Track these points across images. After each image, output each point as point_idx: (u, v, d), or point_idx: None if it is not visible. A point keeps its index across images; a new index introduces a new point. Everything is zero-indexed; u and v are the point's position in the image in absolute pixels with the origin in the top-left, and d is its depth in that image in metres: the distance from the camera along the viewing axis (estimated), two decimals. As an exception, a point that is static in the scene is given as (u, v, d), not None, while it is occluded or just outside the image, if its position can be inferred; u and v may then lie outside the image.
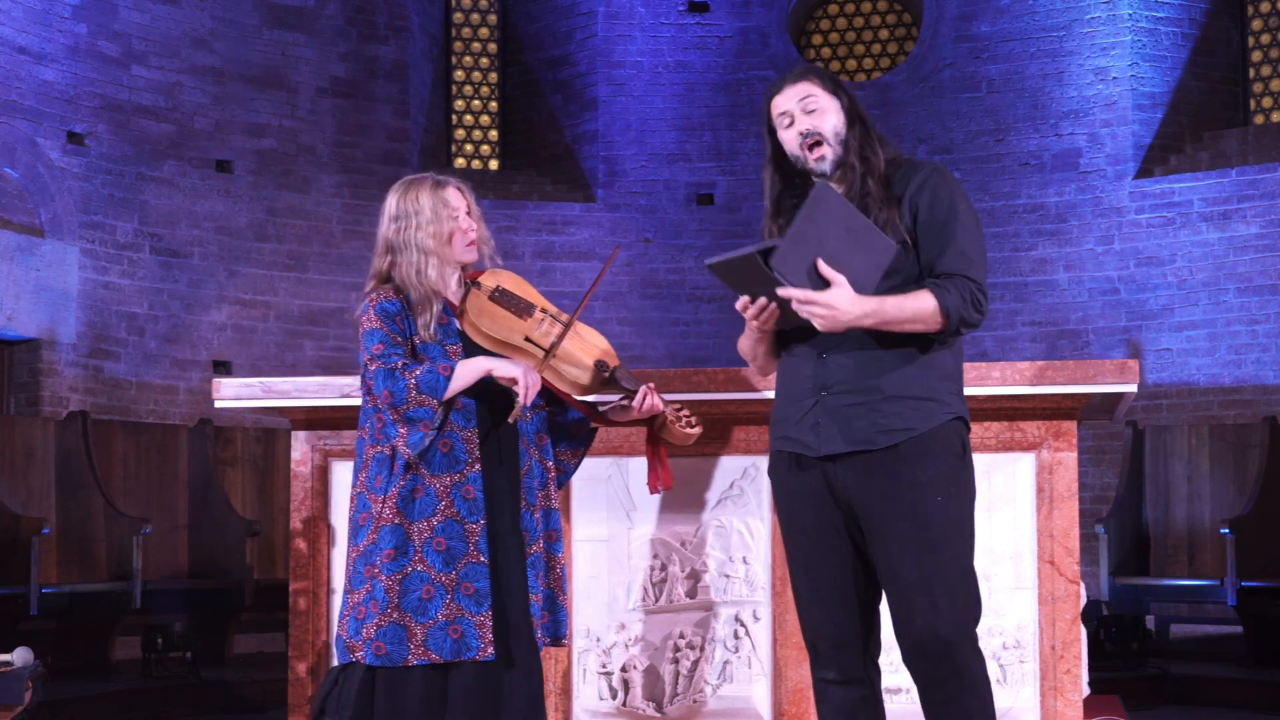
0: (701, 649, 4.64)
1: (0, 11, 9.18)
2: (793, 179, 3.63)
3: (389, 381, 3.69)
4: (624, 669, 4.66)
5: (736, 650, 4.64)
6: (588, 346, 3.86)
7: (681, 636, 4.65)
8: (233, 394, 4.78)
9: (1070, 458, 4.48)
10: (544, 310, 3.86)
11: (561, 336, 3.81)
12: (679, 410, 3.86)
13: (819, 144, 3.54)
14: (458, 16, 11.76)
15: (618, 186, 11.24)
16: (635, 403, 3.81)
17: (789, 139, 3.58)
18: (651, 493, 3.97)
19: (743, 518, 4.65)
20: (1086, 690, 4.50)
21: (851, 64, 11.72)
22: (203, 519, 8.53)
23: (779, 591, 4.58)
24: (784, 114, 3.58)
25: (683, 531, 4.68)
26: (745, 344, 3.72)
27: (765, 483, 4.62)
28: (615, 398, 3.91)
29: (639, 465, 4.66)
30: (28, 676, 4.08)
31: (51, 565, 7.77)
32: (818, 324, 3.35)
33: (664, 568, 4.67)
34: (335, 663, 3.89)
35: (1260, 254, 9.92)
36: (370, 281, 3.88)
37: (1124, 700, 6.06)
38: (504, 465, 3.80)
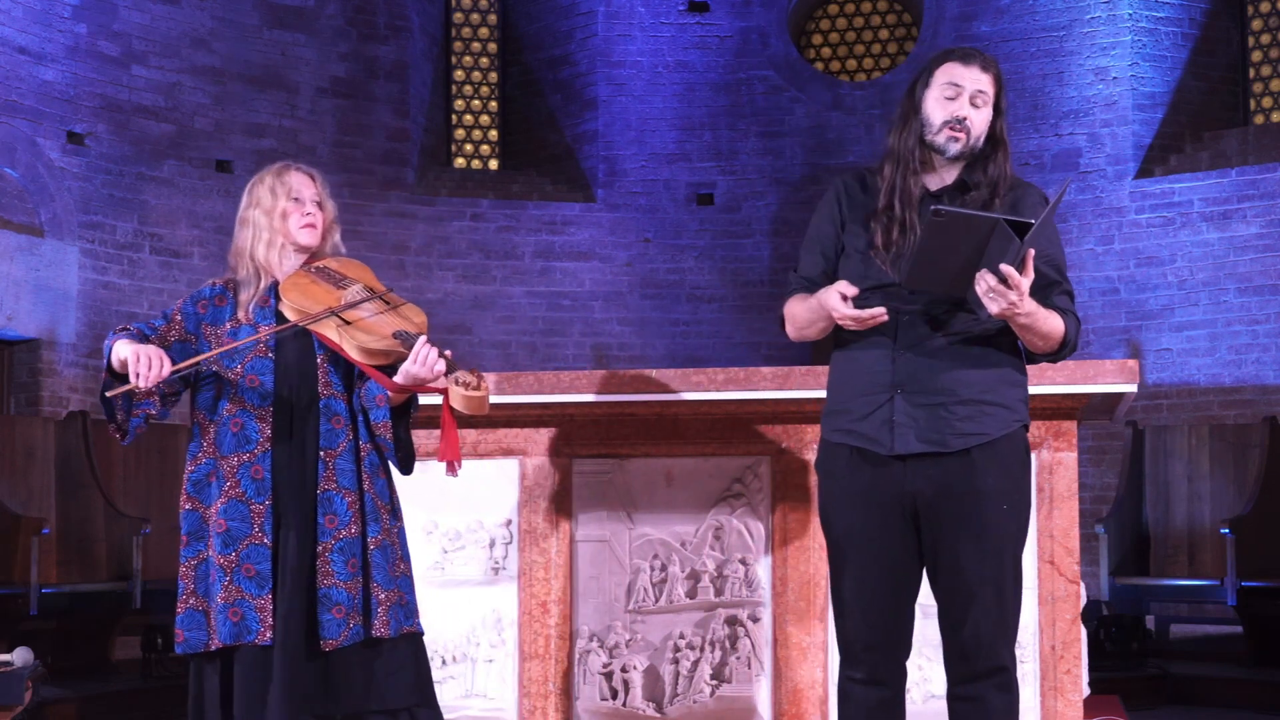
0: (701, 649, 4.64)
1: (0, 11, 9.18)
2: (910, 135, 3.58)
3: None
4: (624, 669, 4.66)
5: (736, 650, 4.63)
6: (395, 318, 3.65)
7: (681, 636, 4.65)
8: (232, 394, 4.77)
9: (1070, 458, 4.47)
10: (367, 288, 3.69)
11: (356, 303, 3.62)
12: (466, 373, 3.50)
13: (961, 130, 3.50)
14: (458, 16, 11.76)
15: (618, 186, 11.23)
16: (411, 355, 3.52)
17: (938, 104, 3.52)
18: (448, 473, 3.62)
19: (743, 518, 4.65)
20: (1086, 690, 4.49)
21: (851, 64, 11.72)
22: (203, 519, 8.51)
23: (779, 592, 4.58)
24: (955, 85, 3.51)
25: (683, 531, 4.68)
26: (804, 316, 3.60)
27: (765, 483, 4.62)
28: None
29: (639, 465, 4.68)
30: (28, 676, 4.08)
31: (51, 565, 7.75)
32: (993, 307, 3.33)
33: (664, 568, 4.67)
34: None
35: (1260, 254, 9.92)
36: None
37: (1124, 700, 6.06)
38: (304, 446, 3.65)
